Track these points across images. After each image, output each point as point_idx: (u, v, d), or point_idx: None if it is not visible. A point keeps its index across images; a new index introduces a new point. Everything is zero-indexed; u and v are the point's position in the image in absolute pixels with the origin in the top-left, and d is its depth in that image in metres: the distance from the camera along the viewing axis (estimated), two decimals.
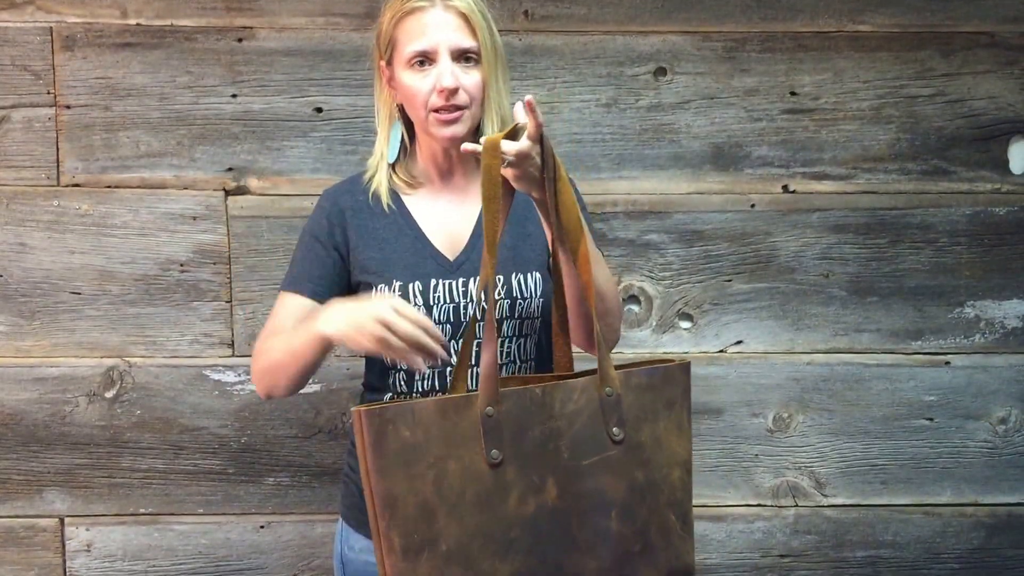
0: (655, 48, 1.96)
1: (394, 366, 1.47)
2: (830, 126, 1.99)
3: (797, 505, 2.06)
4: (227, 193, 1.95)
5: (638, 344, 2.00)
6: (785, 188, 2.00)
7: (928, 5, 1.97)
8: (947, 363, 2.04)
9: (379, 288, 1.44)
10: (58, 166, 1.93)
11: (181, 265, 1.96)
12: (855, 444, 2.04)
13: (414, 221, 1.49)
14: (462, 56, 1.40)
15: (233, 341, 1.97)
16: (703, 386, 2.02)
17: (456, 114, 1.39)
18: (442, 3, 1.39)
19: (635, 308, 2.00)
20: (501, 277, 1.44)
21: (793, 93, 1.98)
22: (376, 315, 1.22)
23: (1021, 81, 1.99)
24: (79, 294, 1.95)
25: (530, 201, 1.35)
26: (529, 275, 1.46)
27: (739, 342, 2.02)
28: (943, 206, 2.01)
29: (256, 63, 1.93)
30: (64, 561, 2.00)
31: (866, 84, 1.98)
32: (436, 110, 1.40)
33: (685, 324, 2.02)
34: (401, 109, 1.49)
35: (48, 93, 1.92)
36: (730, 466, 2.04)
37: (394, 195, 1.51)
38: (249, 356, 1.96)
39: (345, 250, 1.49)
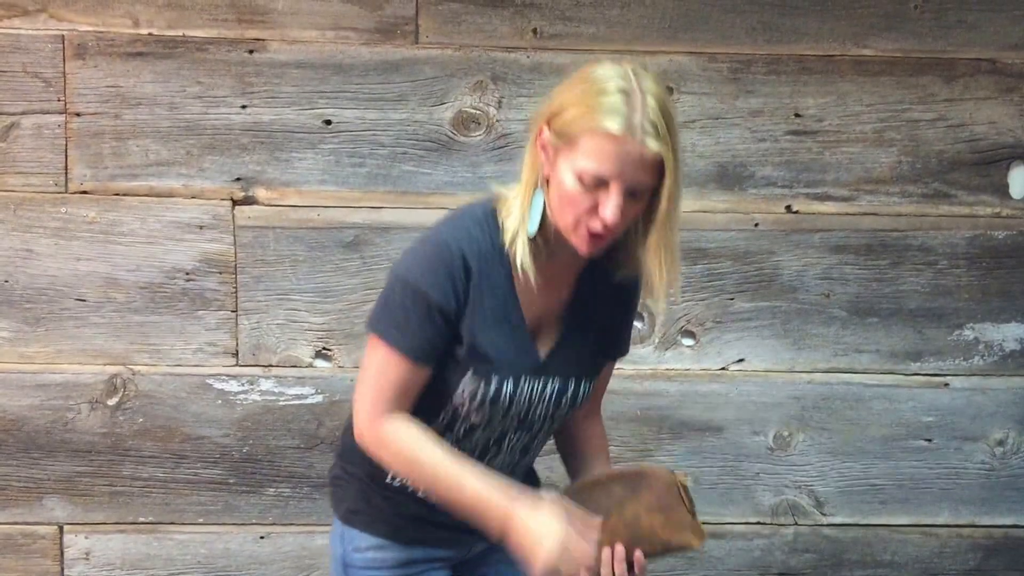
0: (661, 68, 1.97)
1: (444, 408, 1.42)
2: (833, 148, 2.01)
3: (796, 523, 2.07)
4: (235, 203, 1.96)
5: (640, 361, 2.01)
6: (788, 208, 2.02)
7: (931, 31, 2.00)
8: (946, 385, 2.05)
9: (473, 376, 1.35)
10: (66, 173, 1.94)
11: (187, 274, 1.96)
12: (854, 464, 2.06)
13: (519, 305, 1.38)
14: (631, 190, 1.29)
15: (237, 351, 1.97)
16: (704, 404, 2.03)
17: (604, 239, 1.31)
18: (642, 141, 1.24)
19: (638, 325, 2.01)
20: (573, 380, 1.42)
21: (797, 115, 2.00)
22: (550, 543, 1.29)
23: (1021, 107, 2.01)
24: (84, 301, 1.96)
25: (629, 290, 1.44)
26: (590, 382, 1.45)
27: (741, 360, 2.03)
28: (943, 229, 2.03)
29: (266, 75, 1.94)
30: (62, 569, 1.99)
31: (869, 107, 2.01)
32: (586, 228, 1.29)
33: (687, 341, 2.03)
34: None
35: (58, 100, 1.92)
36: (730, 483, 2.05)
37: (507, 272, 1.36)
38: (253, 366, 1.98)
39: (457, 316, 1.35)
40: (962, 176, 2.03)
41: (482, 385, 1.36)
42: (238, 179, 1.95)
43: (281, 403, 1.98)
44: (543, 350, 1.40)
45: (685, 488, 1.39)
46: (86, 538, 1.99)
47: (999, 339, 2.05)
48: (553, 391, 1.41)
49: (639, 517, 1.37)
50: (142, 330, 1.97)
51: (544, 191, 1.34)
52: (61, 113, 1.93)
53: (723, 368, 2.04)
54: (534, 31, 1.97)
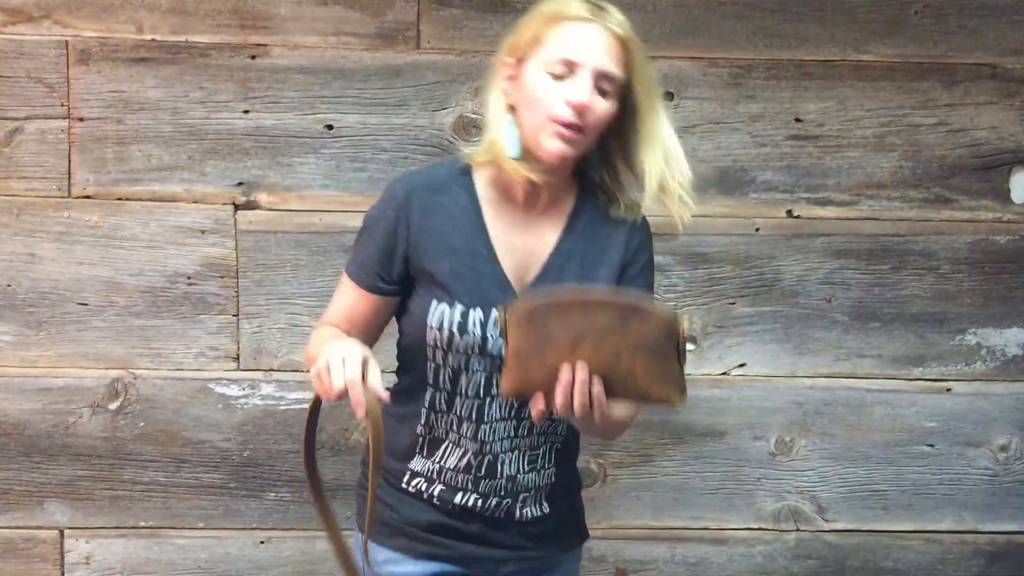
0: (663, 73, 1.98)
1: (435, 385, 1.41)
2: (834, 153, 2.01)
3: (798, 529, 2.06)
4: (236, 207, 1.96)
5: None
6: (789, 213, 2.02)
7: (931, 37, 2.00)
8: (948, 390, 2.05)
9: (437, 304, 1.36)
10: (69, 178, 1.95)
11: (188, 278, 1.97)
12: (856, 469, 2.05)
13: (488, 238, 1.39)
14: (600, 80, 1.32)
15: (239, 355, 1.97)
16: (706, 408, 2.03)
17: (575, 135, 1.32)
18: (605, 23, 1.32)
19: None
20: None
21: (798, 120, 2.01)
22: (325, 359, 1.22)
23: (1022, 112, 2.02)
24: (86, 305, 1.96)
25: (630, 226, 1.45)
26: None
27: (742, 365, 2.03)
28: (945, 234, 2.03)
29: (269, 80, 1.95)
30: (63, 573, 1.99)
31: (869, 113, 2.01)
32: (557, 120, 1.31)
33: (689, 346, 2.03)
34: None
35: (62, 105, 1.93)
36: (732, 489, 2.04)
37: (474, 204, 1.39)
38: (254, 370, 1.98)
39: (406, 245, 1.38)
40: (963, 181, 2.03)
41: (447, 311, 1.36)
42: (240, 184, 1.96)
43: (282, 407, 1.99)
44: (519, 284, 1.39)
45: (683, 337, 1.19)
46: (87, 542, 1.99)
47: (1001, 344, 2.05)
48: None
49: (620, 354, 1.17)
50: (144, 334, 1.97)
51: (515, 119, 1.36)
52: (64, 118, 1.94)
53: (724, 373, 2.03)
54: None
